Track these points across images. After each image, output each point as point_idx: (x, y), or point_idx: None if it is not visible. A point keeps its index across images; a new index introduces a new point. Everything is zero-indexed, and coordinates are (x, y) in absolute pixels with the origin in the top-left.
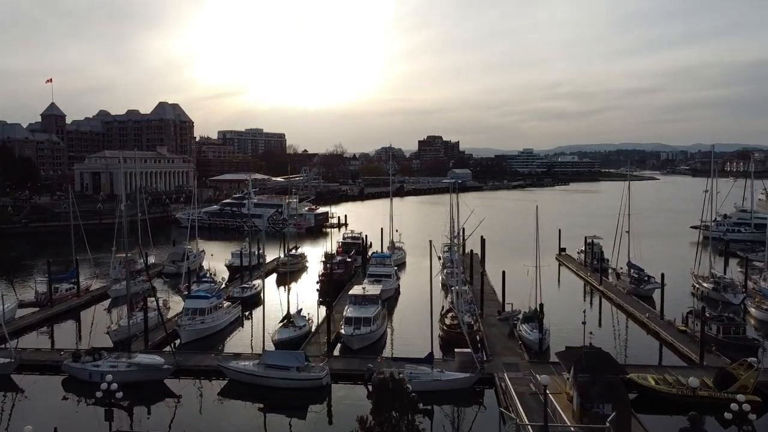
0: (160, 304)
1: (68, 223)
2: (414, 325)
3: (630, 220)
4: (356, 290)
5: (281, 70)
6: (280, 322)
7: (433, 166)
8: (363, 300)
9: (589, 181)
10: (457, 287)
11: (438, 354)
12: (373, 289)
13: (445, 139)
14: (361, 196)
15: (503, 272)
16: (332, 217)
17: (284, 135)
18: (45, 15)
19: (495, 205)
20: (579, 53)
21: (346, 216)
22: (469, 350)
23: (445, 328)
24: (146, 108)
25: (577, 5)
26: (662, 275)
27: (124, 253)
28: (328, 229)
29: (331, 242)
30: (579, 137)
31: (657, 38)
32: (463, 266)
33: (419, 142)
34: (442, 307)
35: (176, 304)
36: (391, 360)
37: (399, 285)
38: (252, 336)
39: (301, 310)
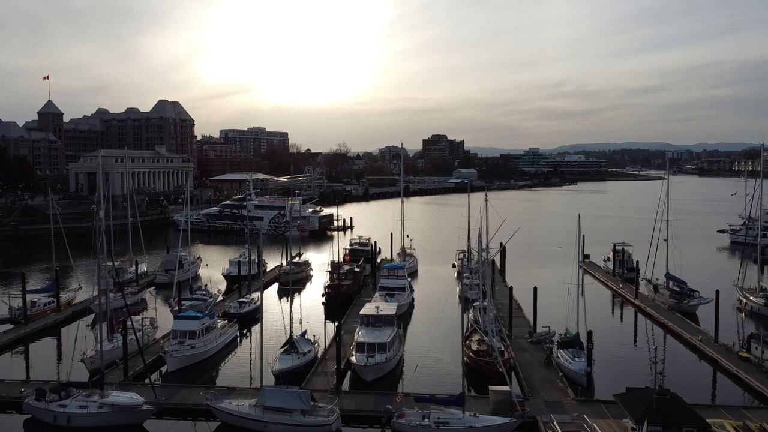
0: (147, 324)
1: (58, 226)
2: (435, 349)
3: (668, 226)
4: (368, 309)
5: (284, 68)
6: (282, 347)
7: (438, 165)
8: (376, 321)
9: (596, 181)
10: (479, 303)
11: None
12: (388, 308)
13: (449, 138)
14: (366, 197)
15: (535, 288)
16: (337, 220)
17: (287, 134)
18: (46, 13)
19: (504, 207)
20: (583, 52)
21: (351, 219)
22: (507, 388)
23: (471, 354)
24: (147, 107)
25: (580, 4)
26: (717, 292)
27: (104, 264)
28: (333, 233)
29: (337, 248)
30: (583, 136)
31: (660, 37)
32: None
33: (424, 141)
34: (465, 328)
35: (166, 322)
36: (414, 399)
37: (413, 299)
38: (251, 363)
39: (305, 332)
